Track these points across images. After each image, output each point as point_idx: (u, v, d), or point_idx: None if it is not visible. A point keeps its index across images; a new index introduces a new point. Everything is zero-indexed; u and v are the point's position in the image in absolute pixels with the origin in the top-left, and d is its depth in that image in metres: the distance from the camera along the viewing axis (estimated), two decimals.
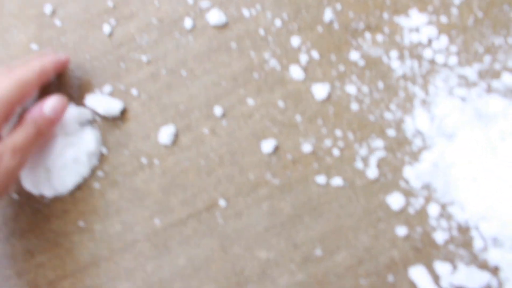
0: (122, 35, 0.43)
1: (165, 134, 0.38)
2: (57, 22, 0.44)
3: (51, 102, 0.37)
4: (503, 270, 0.32)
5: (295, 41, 0.40)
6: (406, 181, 0.35)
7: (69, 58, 0.42)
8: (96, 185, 0.37)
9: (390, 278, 0.32)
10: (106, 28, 0.43)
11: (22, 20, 0.45)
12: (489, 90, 0.37)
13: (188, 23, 0.42)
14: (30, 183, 0.37)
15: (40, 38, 0.44)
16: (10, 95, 0.34)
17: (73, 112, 0.38)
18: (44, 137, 0.37)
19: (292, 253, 0.34)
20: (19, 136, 0.34)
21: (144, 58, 0.42)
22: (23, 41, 0.44)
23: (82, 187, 0.38)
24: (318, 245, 0.34)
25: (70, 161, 0.37)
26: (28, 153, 0.35)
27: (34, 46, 0.44)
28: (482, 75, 0.37)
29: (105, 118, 0.40)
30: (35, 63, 0.37)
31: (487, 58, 0.38)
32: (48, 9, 0.45)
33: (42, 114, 0.36)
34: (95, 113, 0.40)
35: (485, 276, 0.32)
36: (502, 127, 0.35)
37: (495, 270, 0.32)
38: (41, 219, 0.37)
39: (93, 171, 0.38)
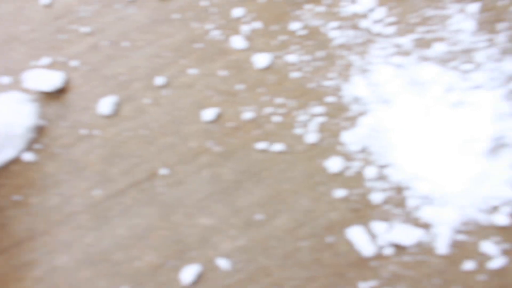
0: (61, 6, 0.42)
1: (106, 105, 0.37)
2: None
3: None
4: (434, 226, 0.33)
5: (237, 12, 0.40)
6: (344, 146, 0.36)
7: None
8: (33, 157, 0.36)
9: (329, 239, 0.33)
10: None
11: None
12: (423, 58, 0.38)
13: None
14: None
15: None
16: None
17: (8, 102, 0.37)
18: None
19: (233, 219, 0.34)
20: None
21: (84, 29, 0.41)
22: None
23: (17, 160, 0.36)
24: (258, 210, 0.34)
25: (4, 136, 0.36)
26: None
27: None
28: (416, 44, 0.39)
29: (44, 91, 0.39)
30: None
31: (421, 28, 0.39)
32: None
33: None
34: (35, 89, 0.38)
35: (418, 232, 0.33)
36: (434, 93, 0.37)
37: (426, 226, 0.33)
38: None
39: (29, 144, 0.37)
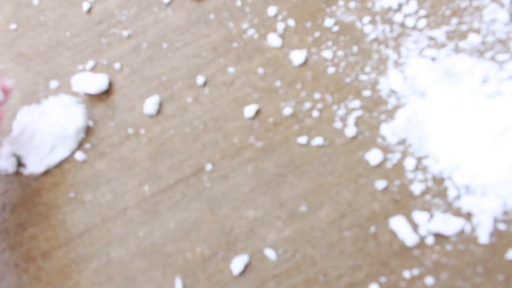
0: (102, 11, 0.43)
1: (150, 105, 0.39)
2: (35, 1, 0.45)
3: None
4: (475, 215, 0.34)
5: (272, 10, 0.41)
6: (383, 138, 0.36)
7: (13, 87, 0.38)
8: (85, 157, 0.38)
9: (372, 229, 0.34)
10: (85, 5, 0.44)
11: None
12: (457, 50, 0.39)
13: None
14: (20, 161, 0.38)
15: (18, 18, 0.44)
16: None
17: (58, 105, 0.39)
18: None
19: (278, 211, 0.35)
20: None
21: (124, 33, 0.42)
22: (1, 21, 0.44)
23: (70, 160, 0.38)
24: (302, 202, 0.35)
25: (58, 137, 0.38)
26: None
27: (12, 26, 0.44)
28: (449, 36, 0.39)
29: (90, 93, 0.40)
30: None
31: (454, 20, 0.40)
32: None
33: None
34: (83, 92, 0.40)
35: (459, 222, 0.34)
36: (469, 84, 0.37)
37: (468, 216, 0.34)
38: (31, 193, 0.38)
39: (80, 144, 0.39)
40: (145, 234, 0.36)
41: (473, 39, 0.39)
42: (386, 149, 0.36)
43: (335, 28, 0.40)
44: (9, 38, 0.44)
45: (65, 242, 0.36)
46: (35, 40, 0.43)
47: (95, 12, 0.44)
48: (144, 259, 0.35)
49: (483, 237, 0.33)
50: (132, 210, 0.36)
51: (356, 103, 0.38)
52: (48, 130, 0.38)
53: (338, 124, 0.37)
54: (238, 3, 0.42)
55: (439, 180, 0.35)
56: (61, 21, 0.44)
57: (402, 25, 0.40)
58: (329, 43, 0.40)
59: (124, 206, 0.36)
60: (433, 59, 0.39)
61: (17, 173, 0.39)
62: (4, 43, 0.43)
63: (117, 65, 0.41)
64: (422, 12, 0.40)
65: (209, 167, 0.37)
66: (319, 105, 0.38)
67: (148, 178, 0.37)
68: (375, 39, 0.40)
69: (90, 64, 0.41)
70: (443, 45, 0.39)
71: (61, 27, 0.43)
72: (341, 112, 0.37)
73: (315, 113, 0.37)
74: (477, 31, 0.39)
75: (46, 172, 0.38)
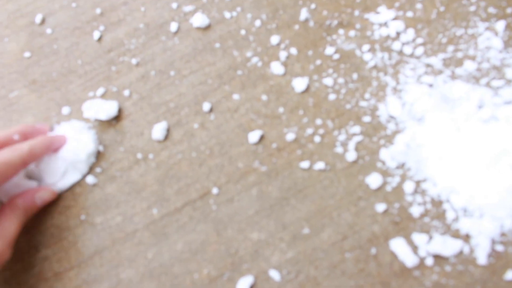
0: (111, 40, 0.45)
1: (158, 130, 0.40)
2: (48, 30, 0.47)
3: (43, 195, 0.38)
4: (473, 237, 0.35)
5: (275, 39, 0.43)
6: (383, 162, 0.38)
7: (65, 138, 0.40)
8: (95, 180, 0.40)
9: (373, 250, 0.35)
10: (96, 34, 0.46)
11: (13, 29, 0.47)
12: (453, 76, 0.40)
13: (173, 26, 0.45)
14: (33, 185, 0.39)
15: (32, 46, 0.46)
16: None
17: (70, 130, 0.41)
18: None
19: (281, 233, 0.36)
20: (11, 226, 0.34)
21: (133, 61, 0.44)
22: (15, 50, 0.46)
23: (81, 183, 0.40)
24: (305, 225, 0.37)
25: (70, 162, 0.39)
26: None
27: (26, 54, 0.46)
28: (446, 63, 0.41)
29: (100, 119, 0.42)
30: (24, 147, 0.36)
31: (450, 48, 0.41)
32: (38, 18, 0.47)
33: (33, 203, 0.37)
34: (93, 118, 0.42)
35: (458, 244, 0.35)
36: (466, 109, 0.39)
37: (466, 238, 0.35)
38: (44, 215, 0.39)
39: (91, 168, 0.40)
40: (153, 255, 0.37)
41: (469, 66, 0.41)
42: (385, 173, 0.37)
43: (336, 56, 0.42)
44: (23, 65, 0.46)
45: (77, 263, 0.37)
46: (48, 67, 0.45)
47: (105, 40, 0.46)
48: (153, 280, 0.36)
49: (482, 258, 0.34)
50: (141, 232, 0.38)
51: (356, 129, 0.39)
52: (61, 154, 0.39)
53: (339, 149, 0.39)
54: (243, 32, 0.44)
55: (437, 203, 0.36)
56: (72, 49, 0.46)
57: (400, 52, 0.42)
58: (330, 70, 0.41)
59: (134, 229, 0.38)
60: (431, 85, 0.40)
61: None
62: (18, 70, 0.45)
63: (126, 92, 0.43)
64: (420, 40, 0.42)
65: (215, 190, 0.38)
66: (321, 131, 0.39)
67: (157, 201, 0.38)
68: (374, 67, 0.41)
69: (100, 91, 0.43)
70: (440, 72, 0.41)
71: (73, 55, 0.45)
72: (342, 137, 0.39)
73: (317, 139, 0.39)
74: (473, 58, 0.41)
75: (58, 196, 0.39)
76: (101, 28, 0.46)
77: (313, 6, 0.44)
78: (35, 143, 0.37)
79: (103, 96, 0.43)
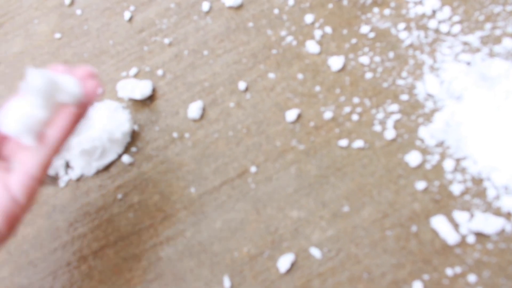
0: (142, 20, 0.45)
1: (193, 109, 0.40)
2: (78, 12, 0.46)
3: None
4: None
5: (309, 18, 0.43)
6: (422, 140, 0.38)
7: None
8: (131, 160, 0.40)
9: (414, 228, 0.35)
10: (127, 15, 0.45)
11: (43, 11, 0.47)
12: (491, 54, 0.40)
13: (205, 6, 0.44)
14: (68, 164, 0.39)
15: (62, 27, 0.46)
16: None
17: (105, 110, 0.40)
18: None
19: (321, 211, 0.36)
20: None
21: (166, 40, 0.44)
22: (46, 31, 0.46)
23: (117, 163, 0.40)
24: (345, 203, 0.36)
25: (105, 141, 0.39)
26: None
27: (57, 35, 0.46)
28: (484, 41, 0.40)
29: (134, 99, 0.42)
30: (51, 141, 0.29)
31: (487, 25, 0.41)
32: None
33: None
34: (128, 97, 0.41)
35: (499, 221, 0.35)
36: (505, 87, 0.38)
37: (508, 216, 0.35)
38: (80, 195, 0.39)
39: (126, 148, 0.40)
40: (192, 234, 0.37)
41: (508, 43, 0.40)
42: (425, 151, 0.37)
43: (371, 35, 0.41)
44: (54, 47, 0.45)
45: (115, 241, 0.37)
46: (79, 48, 0.45)
47: (136, 21, 0.45)
48: (192, 258, 0.36)
49: None
50: (179, 211, 0.37)
51: (394, 107, 0.39)
52: (96, 134, 0.39)
53: (377, 127, 0.38)
54: (276, 11, 0.43)
55: (478, 181, 0.36)
56: (103, 30, 0.45)
57: (437, 31, 0.41)
58: (366, 49, 0.41)
59: (172, 208, 0.38)
60: (468, 63, 0.40)
61: (66, 176, 0.40)
62: (50, 51, 0.45)
63: (159, 72, 0.43)
64: (456, 18, 0.41)
65: (253, 169, 0.38)
66: (358, 109, 0.39)
67: (194, 180, 0.38)
68: (411, 45, 0.41)
69: (133, 71, 0.43)
70: (477, 50, 0.40)
71: (104, 36, 0.45)
72: (380, 115, 0.39)
73: (355, 117, 0.39)
74: (511, 35, 0.40)
75: (94, 175, 0.39)
76: (132, 8, 0.46)
77: None
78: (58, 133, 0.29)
79: (136, 76, 0.43)
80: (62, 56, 0.45)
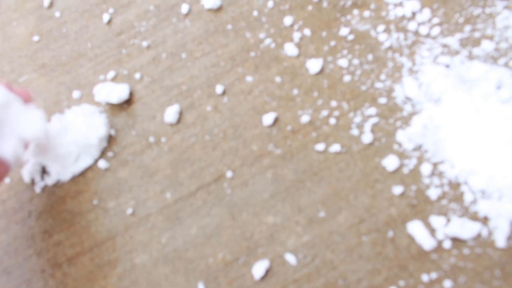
0: (121, 22, 0.45)
1: (170, 113, 0.40)
2: (57, 14, 0.46)
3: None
4: (492, 219, 0.35)
5: (288, 20, 0.42)
6: (399, 144, 0.37)
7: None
8: (107, 165, 0.39)
9: (390, 233, 0.35)
10: (105, 17, 0.45)
11: (22, 13, 0.47)
12: (471, 57, 0.40)
13: (184, 8, 0.44)
14: (45, 169, 0.39)
15: (40, 30, 0.46)
16: None
17: (81, 114, 0.40)
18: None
19: (297, 216, 0.36)
20: None
21: (144, 43, 0.43)
22: (24, 33, 0.46)
23: (93, 168, 0.39)
24: (321, 208, 0.36)
25: (82, 146, 0.39)
26: None
27: (35, 38, 0.45)
28: (463, 43, 0.40)
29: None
30: None
31: (467, 28, 0.40)
32: (46, 1, 0.46)
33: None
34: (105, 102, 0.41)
35: (476, 226, 0.34)
36: (484, 89, 0.38)
37: (485, 220, 0.34)
38: (56, 200, 0.39)
39: (103, 152, 0.40)
40: (167, 240, 0.36)
41: (487, 46, 0.40)
42: (402, 155, 0.37)
43: (350, 37, 0.41)
44: (32, 49, 0.45)
45: (90, 248, 0.37)
46: (57, 51, 0.44)
47: (115, 23, 0.45)
48: (167, 264, 0.36)
49: (501, 240, 0.34)
50: (154, 217, 0.37)
51: (372, 110, 0.38)
52: (72, 139, 0.39)
53: (355, 131, 0.38)
54: (255, 13, 0.43)
55: (455, 185, 0.36)
56: (82, 32, 0.45)
57: (416, 33, 0.41)
58: (345, 51, 0.41)
59: (147, 213, 0.37)
60: (447, 66, 0.39)
61: (42, 181, 0.40)
62: (27, 54, 0.45)
63: (137, 75, 0.42)
64: (436, 20, 0.41)
65: (229, 174, 0.38)
66: (336, 113, 0.39)
67: (170, 185, 0.38)
68: (390, 47, 0.40)
69: (111, 74, 0.42)
70: (457, 52, 0.40)
71: (83, 38, 0.45)
72: (358, 119, 0.38)
73: (332, 121, 0.38)
74: (491, 37, 0.40)
75: (70, 180, 0.39)
76: (111, 10, 0.45)
77: None
78: None
79: (113, 79, 0.42)
80: (40, 59, 0.44)
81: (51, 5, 0.46)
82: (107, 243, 0.37)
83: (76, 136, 0.39)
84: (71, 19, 0.45)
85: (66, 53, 0.44)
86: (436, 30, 0.41)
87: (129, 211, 0.38)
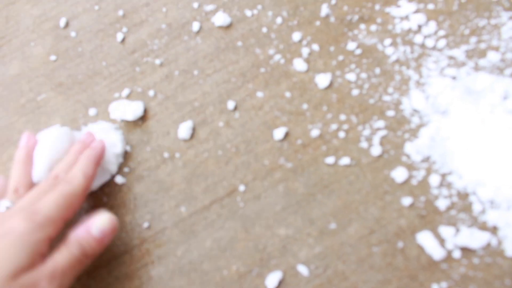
0: (134, 41, 0.46)
1: (184, 129, 0.41)
2: (72, 34, 0.48)
3: (100, 222, 0.33)
4: (501, 229, 0.35)
5: (296, 36, 0.43)
6: (408, 156, 0.38)
7: (103, 143, 0.39)
8: (124, 180, 0.41)
9: (400, 244, 0.36)
10: (119, 36, 0.46)
11: (39, 34, 0.48)
12: (477, 68, 0.40)
13: (195, 26, 0.45)
14: None
15: (57, 49, 0.47)
16: (57, 211, 0.32)
17: (98, 131, 0.41)
18: (90, 259, 0.33)
19: (309, 228, 0.37)
20: (60, 258, 0.30)
21: (157, 61, 0.45)
22: (42, 53, 0.47)
23: (110, 183, 0.41)
24: (332, 220, 0.37)
25: (100, 164, 0.40)
26: (70, 278, 0.31)
27: (52, 57, 0.47)
28: (469, 55, 0.41)
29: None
30: (78, 174, 0.35)
31: (473, 39, 0.41)
32: (62, 22, 0.48)
33: (88, 235, 0.32)
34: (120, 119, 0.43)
35: (485, 236, 0.35)
36: (490, 101, 0.39)
37: (494, 230, 0.35)
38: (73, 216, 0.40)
39: (119, 168, 0.41)
40: (183, 253, 0.38)
41: (493, 57, 0.40)
42: (411, 167, 0.38)
43: (358, 51, 0.42)
44: (50, 69, 0.47)
45: (108, 261, 0.38)
46: (73, 70, 0.46)
47: (129, 42, 0.46)
48: (183, 276, 0.37)
49: (510, 250, 0.34)
50: (170, 230, 0.38)
51: (380, 123, 0.39)
52: None
53: (364, 144, 0.39)
54: (264, 30, 0.44)
55: (463, 196, 0.36)
56: (97, 51, 0.46)
57: (422, 45, 0.42)
58: (352, 66, 0.42)
59: (162, 227, 0.39)
60: (454, 78, 0.40)
61: None
62: (45, 73, 0.46)
63: (151, 92, 0.43)
64: (441, 33, 0.42)
65: (242, 188, 0.39)
66: (345, 126, 0.39)
67: (185, 199, 0.39)
68: (397, 61, 0.41)
69: (125, 92, 0.44)
70: (463, 64, 0.40)
71: (97, 57, 0.46)
72: (366, 132, 0.39)
73: (342, 134, 0.39)
74: (496, 48, 0.41)
75: (89, 195, 0.40)
76: (124, 29, 0.47)
77: (333, 1, 0.44)
78: (86, 165, 0.36)
79: (128, 96, 0.44)
80: (57, 78, 0.46)
81: (67, 25, 0.48)
82: (125, 256, 0.38)
83: None
84: (86, 38, 0.47)
85: (82, 72, 0.46)
86: (442, 43, 0.41)
87: (145, 225, 0.39)
